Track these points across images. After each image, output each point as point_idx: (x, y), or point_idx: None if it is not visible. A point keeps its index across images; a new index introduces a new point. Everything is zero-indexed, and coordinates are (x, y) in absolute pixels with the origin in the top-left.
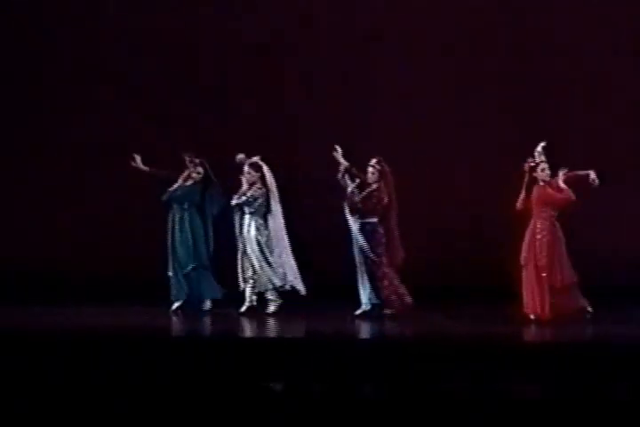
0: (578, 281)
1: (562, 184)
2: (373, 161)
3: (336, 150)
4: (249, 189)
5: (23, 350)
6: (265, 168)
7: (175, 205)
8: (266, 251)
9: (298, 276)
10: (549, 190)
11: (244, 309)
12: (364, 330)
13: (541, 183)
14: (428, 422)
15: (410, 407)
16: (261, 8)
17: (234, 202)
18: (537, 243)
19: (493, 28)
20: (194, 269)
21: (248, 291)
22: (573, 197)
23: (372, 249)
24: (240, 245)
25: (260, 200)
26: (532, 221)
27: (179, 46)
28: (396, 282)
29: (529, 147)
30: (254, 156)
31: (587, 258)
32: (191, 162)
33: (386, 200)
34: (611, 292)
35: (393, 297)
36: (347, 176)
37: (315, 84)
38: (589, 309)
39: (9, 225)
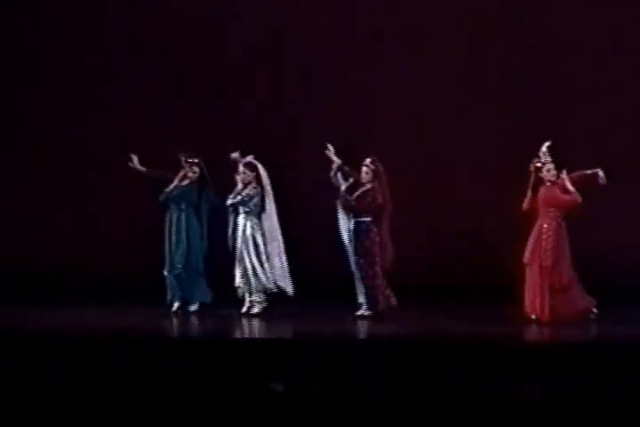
0: (579, 282)
1: (569, 186)
2: (368, 161)
3: (328, 148)
4: (244, 188)
5: (23, 350)
6: (260, 167)
7: (172, 206)
8: (261, 251)
9: (287, 276)
10: (555, 191)
11: (244, 310)
12: (364, 330)
13: (547, 184)
14: (428, 422)
15: (410, 407)
16: (261, 8)
17: (229, 202)
18: (542, 243)
19: (493, 28)
20: (185, 270)
21: (246, 292)
22: (580, 199)
23: (366, 248)
24: (234, 246)
25: (255, 200)
26: (539, 222)
27: (179, 46)
28: (385, 282)
29: (529, 147)
30: (252, 155)
31: (587, 258)
32: (187, 162)
33: (380, 200)
34: (611, 292)
35: (380, 297)
36: (339, 174)
37: (315, 84)
38: (594, 309)
39: (9, 225)
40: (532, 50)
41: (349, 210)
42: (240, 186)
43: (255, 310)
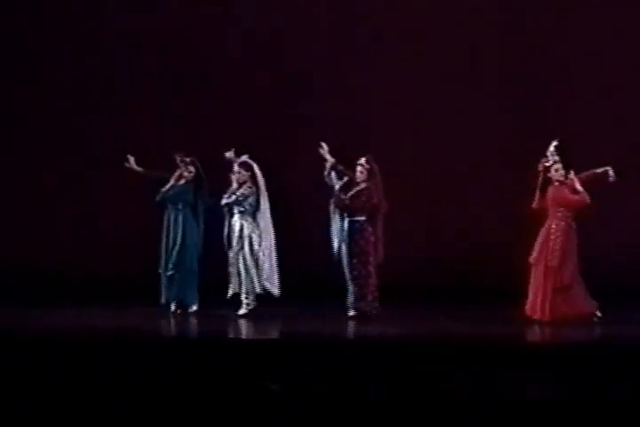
0: (583, 284)
1: (578, 186)
2: (362, 160)
3: (322, 147)
4: (239, 188)
5: (23, 350)
6: (255, 167)
7: (169, 206)
8: (255, 252)
9: (275, 277)
10: (564, 191)
11: (242, 311)
12: (364, 330)
13: (556, 183)
14: (428, 422)
15: (410, 408)
16: (261, 8)
17: (223, 201)
18: (550, 243)
19: (493, 29)
20: (179, 271)
21: (242, 293)
22: (589, 199)
23: (360, 247)
24: (230, 246)
25: (249, 199)
26: (548, 222)
27: (179, 46)
28: (375, 284)
29: (529, 147)
30: (247, 154)
31: (589, 258)
32: (182, 161)
33: (375, 200)
34: (613, 292)
35: (370, 298)
36: (333, 174)
37: (315, 84)
38: (598, 313)
39: (9, 225)
40: (532, 50)
41: (343, 209)
42: (235, 185)
43: (242, 311)
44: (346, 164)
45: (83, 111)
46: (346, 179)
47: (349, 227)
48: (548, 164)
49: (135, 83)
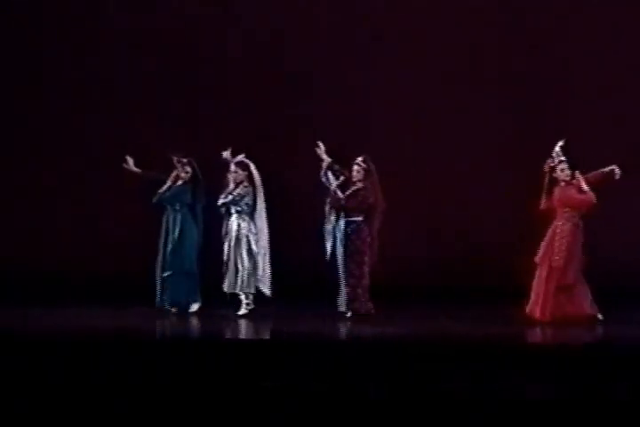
0: (587, 286)
1: (584, 186)
2: (359, 159)
3: (318, 146)
4: (235, 187)
5: (22, 350)
6: (252, 167)
7: (167, 207)
8: (253, 253)
9: (267, 277)
10: (570, 191)
11: (242, 311)
12: (364, 330)
13: (562, 184)
14: (428, 422)
15: (410, 407)
16: (261, 8)
17: (220, 201)
18: (556, 243)
19: (493, 28)
20: (175, 272)
21: (242, 293)
22: (594, 199)
23: (356, 247)
24: (227, 246)
25: (246, 199)
26: (555, 222)
27: (179, 46)
28: (368, 284)
29: (529, 147)
30: (249, 154)
31: (591, 258)
32: (179, 162)
33: (371, 199)
34: (614, 292)
35: (363, 298)
36: (329, 173)
37: (314, 84)
38: (599, 316)
39: (9, 225)
40: (532, 50)
41: (339, 209)
42: (232, 185)
43: (242, 311)
44: (345, 164)
45: (83, 111)
46: (342, 178)
47: (346, 227)
48: (553, 164)
49: (135, 83)
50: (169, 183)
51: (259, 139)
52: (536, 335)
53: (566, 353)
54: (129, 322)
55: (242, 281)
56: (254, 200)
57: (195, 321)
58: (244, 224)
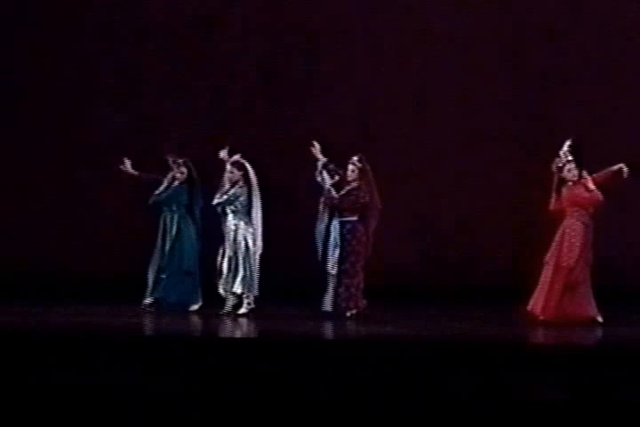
0: (591, 288)
1: (590, 185)
2: (354, 158)
3: (313, 146)
4: (231, 187)
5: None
6: (248, 167)
7: (164, 208)
8: (250, 254)
9: (254, 278)
10: (578, 190)
11: (242, 310)
12: (363, 330)
13: (570, 183)
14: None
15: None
16: (261, 8)
17: (215, 201)
18: (565, 243)
19: (493, 28)
20: (173, 272)
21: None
22: (601, 197)
23: (352, 246)
24: (225, 246)
25: (241, 199)
26: (564, 222)
27: (179, 46)
28: (361, 283)
29: (529, 147)
30: (248, 153)
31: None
32: (174, 163)
33: (365, 199)
34: (615, 292)
35: (356, 298)
36: (324, 172)
37: (315, 83)
38: (599, 319)
39: (9, 225)
40: (533, 49)
41: (333, 208)
42: (227, 185)
43: (242, 310)
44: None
45: (83, 111)
46: (337, 178)
47: (341, 227)
48: (561, 164)
49: (135, 82)
50: (165, 184)
51: (258, 138)
52: (536, 336)
53: (567, 353)
54: (128, 322)
55: (240, 281)
56: (250, 200)
57: (195, 320)
58: (241, 224)
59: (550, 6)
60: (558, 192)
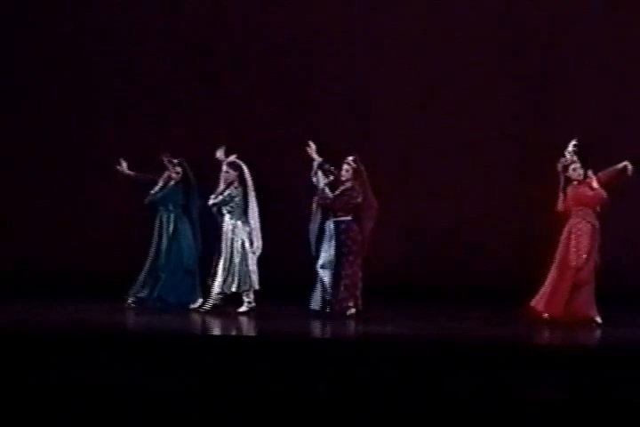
0: (594, 289)
1: (594, 184)
2: (349, 159)
3: (309, 146)
4: (226, 188)
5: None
6: (244, 167)
7: (161, 208)
8: (248, 251)
9: (255, 277)
10: (583, 189)
11: (243, 309)
12: (363, 330)
13: (575, 183)
14: (429, 422)
15: (409, 407)
16: (261, 8)
17: (210, 202)
18: (572, 242)
19: (493, 28)
20: (170, 272)
21: (244, 292)
22: (604, 194)
23: (348, 247)
24: (221, 246)
25: (236, 199)
26: (570, 221)
27: (179, 46)
28: (360, 283)
29: (529, 147)
30: (246, 153)
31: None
32: (170, 162)
33: (359, 199)
34: (615, 291)
35: (353, 297)
36: (319, 172)
37: (314, 83)
38: (598, 319)
39: (9, 225)
40: (533, 48)
41: (327, 208)
42: (222, 186)
43: (243, 308)
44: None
45: (83, 111)
46: (331, 178)
47: (335, 227)
48: (566, 163)
49: (135, 83)
50: (161, 184)
51: (258, 138)
52: (536, 336)
53: (567, 353)
54: (128, 321)
55: (239, 281)
56: (245, 200)
57: (195, 318)
58: (238, 225)
59: (550, 6)
60: (564, 192)
